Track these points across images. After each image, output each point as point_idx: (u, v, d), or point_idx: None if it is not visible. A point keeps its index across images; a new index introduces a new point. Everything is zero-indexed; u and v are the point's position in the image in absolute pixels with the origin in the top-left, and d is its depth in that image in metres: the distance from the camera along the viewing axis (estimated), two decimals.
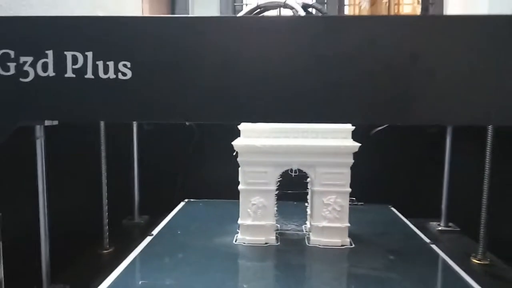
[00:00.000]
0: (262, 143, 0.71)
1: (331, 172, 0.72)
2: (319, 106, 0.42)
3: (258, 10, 0.73)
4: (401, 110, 0.41)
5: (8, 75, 0.42)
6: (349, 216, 0.74)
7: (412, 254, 0.70)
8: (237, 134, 0.76)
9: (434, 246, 0.74)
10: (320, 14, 0.80)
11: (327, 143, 0.71)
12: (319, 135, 0.72)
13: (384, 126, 1.08)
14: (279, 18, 0.69)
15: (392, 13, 2.86)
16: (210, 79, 0.42)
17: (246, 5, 2.94)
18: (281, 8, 0.76)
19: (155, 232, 0.79)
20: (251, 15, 0.76)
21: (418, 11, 2.86)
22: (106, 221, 0.79)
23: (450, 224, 0.93)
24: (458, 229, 0.92)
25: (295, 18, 0.57)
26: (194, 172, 1.10)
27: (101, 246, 0.78)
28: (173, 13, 2.82)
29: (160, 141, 1.10)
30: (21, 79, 0.42)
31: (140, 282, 0.58)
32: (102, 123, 0.77)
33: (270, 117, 0.43)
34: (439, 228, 0.92)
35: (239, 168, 0.74)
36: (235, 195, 0.77)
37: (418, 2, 2.86)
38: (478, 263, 0.74)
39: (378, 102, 0.41)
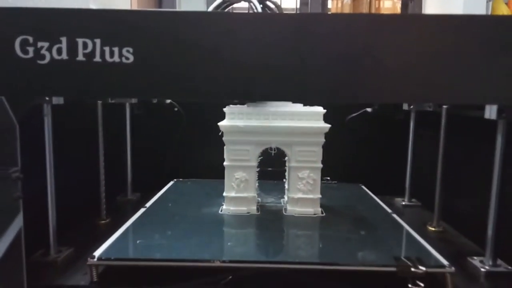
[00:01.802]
0: (245, 124, 0.80)
1: (305, 150, 0.81)
2: (292, 89, 0.52)
3: (226, 3, 0.80)
4: (354, 90, 0.50)
5: (27, 58, 0.50)
6: (323, 192, 0.84)
7: (375, 221, 0.81)
8: (221, 117, 0.84)
9: (395, 216, 0.84)
10: (275, 8, 0.85)
11: (302, 124, 0.80)
12: (295, 117, 0.81)
13: (358, 113, 1.18)
14: (260, 14, 0.77)
15: (373, 8, 2.97)
16: (199, 63, 0.50)
17: None
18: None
19: (148, 204, 0.88)
20: (220, 8, 0.83)
21: (398, 6, 2.97)
22: (103, 194, 0.87)
23: (413, 200, 1.04)
24: (420, 204, 1.03)
25: (274, 15, 0.65)
26: (182, 153, 1.18)
27: (99, 217, 0.86)
28: (160, 5, 2.87)
29: (151, 125, 1.17)
30: (38, 61, 0.50)
31: (138, 241, 0.67)
32: (99, 107, 0.84)
33: (251, 96, 0.52)
34: (403, 203, 1.03)
35: (224, 147, 0.82)
36: (220, 175, 0.86)
37: None
38: (433, 229, 0.85)
39: (338, 85, 0.50)
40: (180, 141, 1.18)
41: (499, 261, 0.66)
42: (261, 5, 0.83)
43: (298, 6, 2.98)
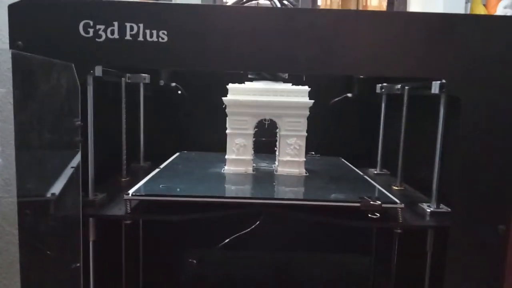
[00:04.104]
0: (244, 98, 0.98)
1: (293, 121, 0.99)
2: (282, 62, 0.70)
3: (244, 0, 0.96)
4: (330, 65, 0.69)
5: (88, 37, 0.67)
6: (307, 163, 1.03)
7: (349, 179, 1.00)
8: (218, 98, 1.01)
9: (366, 177, 1.03)
10: (291, 6, 1.03)
11: (290, 100, 0.98)
12: (285, 94, 0.99)
13: (340, 98, 1.37)
14: (259, 7, 0.95)
15: (360, 5, 3.16)
16: (215, 42, 0.68)
17: None
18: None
19: (161, 166, 1.05)
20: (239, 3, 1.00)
21: (384, 5, 3.17)
22: (124, 157, 1.04)
23: (384, 170, 1.24)
24: (389, 173, 1.22)
25: (271, 9, 0.83)
26: (184, 130, 1.36)
27: (121, 176, 1.04)
28: None
29: (158, 105, 1.34)
30: (96, 39, 0.67)
31: (161, 186, 0.84)
32: (123, 85, 1.01)
33: (253, 67, 0.70)
34: (375, 172, 1.22)
35: (227, 117, 1.00)
36: (219, 149, 1.04)
37: None
38: (396, 188, 1.04)
39: (315, 59, 0.69)
40: (184, 119, 1.35)
41: (442, 206, 0.86)
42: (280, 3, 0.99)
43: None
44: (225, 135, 1.01)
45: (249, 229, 1.08)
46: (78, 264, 0.75)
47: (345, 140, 1.36)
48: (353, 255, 1.34)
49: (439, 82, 0.80)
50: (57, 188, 0.73)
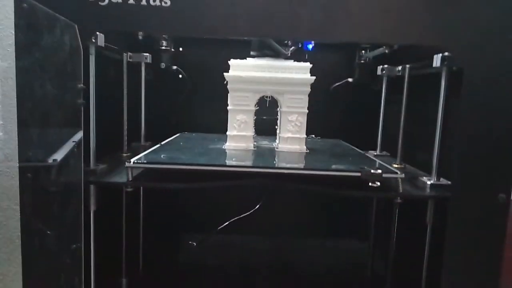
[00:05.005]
0: (246, 74, 0.98)
1: (294, 97, 0.99)
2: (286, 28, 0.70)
3: None
4: (332, 30, 0.69)
5: (92, 0, 0.67)
6: (308, 144, 1.03)
7: (349, 155, 1.00)
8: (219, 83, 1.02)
9: (367, 154, 1.03)
10: None
11: (292, 76, 0.98)
12: (287, 70, 0.99)
13: (341, 82, 1.37)
14: None
15: None
16: (219, 8, 0.68)
17: None
18: None
19: (162, 143, 1.05)
20: None
21: None
22: (125, 132, 1.04)
23: (384, 152, 1.24)
24: (389, 154, 1.22)
25: None
26: (186, 114, 1.36)
27: (122, 151, 1.04)
28: None
29: (161, 88, 1.34)
30: (100, 3, 0.67)
31: (162, 156, 0.84)
32: (125, 62, 1.01)
33: (256, 33, 0.71)
34: (375, 154, 1.22)
35: (228, 94, 1.00)
36: (218, 131, 1.04)
37: None
38: (396, 166, 1.04)
39: (319, 26, 0.69)
40: (185, 102, 1.35)
41: (442, 179, 0.86)
42: None
43: None
44: (225, 119, 1.01)
45: (248, 213, 1.09)
46: (79, 244, 0.75)
47: (345, 124, 1.37)
48: (352, 239, 1.34)
49: (440, 55, 0.81)
50: (59, 154, 0.73)
